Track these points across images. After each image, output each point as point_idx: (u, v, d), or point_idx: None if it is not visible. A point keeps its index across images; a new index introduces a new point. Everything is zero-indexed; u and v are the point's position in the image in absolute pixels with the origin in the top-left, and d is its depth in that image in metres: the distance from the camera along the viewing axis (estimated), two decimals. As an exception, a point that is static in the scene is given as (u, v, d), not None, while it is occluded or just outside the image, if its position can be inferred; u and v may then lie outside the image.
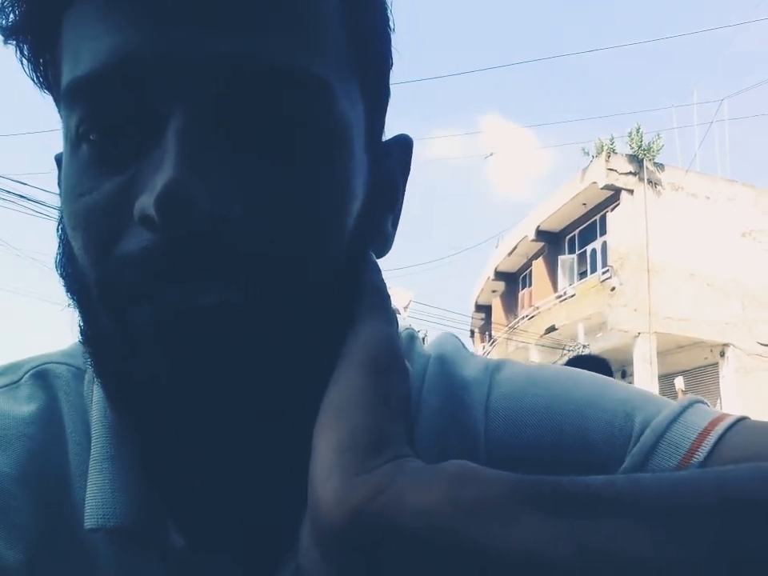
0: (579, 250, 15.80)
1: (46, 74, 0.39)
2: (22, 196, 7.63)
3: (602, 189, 14.09)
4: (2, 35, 0.37)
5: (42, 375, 0.46)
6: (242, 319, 0.33)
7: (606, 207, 14.49)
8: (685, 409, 0.41)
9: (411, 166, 0.47)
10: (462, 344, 0.53)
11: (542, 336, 15.19)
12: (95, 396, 0.43)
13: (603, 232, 14.66)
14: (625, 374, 14.05)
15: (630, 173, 13.97)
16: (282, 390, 0.35)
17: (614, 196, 14.17)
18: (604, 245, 14.54)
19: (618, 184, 13.86)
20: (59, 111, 0.38)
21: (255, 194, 0.34)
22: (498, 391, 0.46)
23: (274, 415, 0.36)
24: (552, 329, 14.93)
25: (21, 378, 0.46)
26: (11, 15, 0.36)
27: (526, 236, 16.83)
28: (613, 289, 13.37)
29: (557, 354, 14.23)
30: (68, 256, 0.38)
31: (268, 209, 0.34)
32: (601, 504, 0.24)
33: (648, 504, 0.24)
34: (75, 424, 0.44)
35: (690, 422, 0.40)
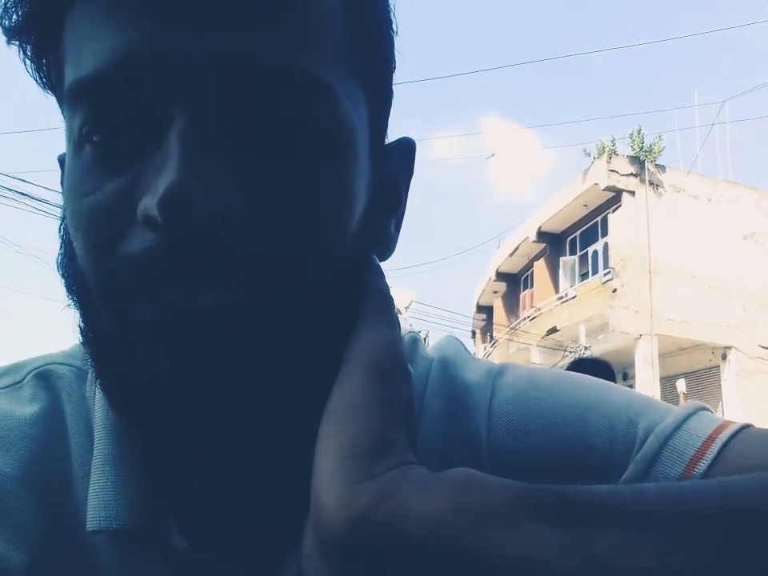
0: (581, 251, 15.79)
1: (48, 74, 0.39)
2: (23, 194, 7.65)
3: (603, 190, 14.09)
4: (5, 36, 0.37)
5: (44, 376, 0.46)
6: (242, 319, 0.33)
7: (608, 209, 14.48)
8: (689, 416, 0.41)
9: (414, 169, 0.47)
10: (465, 347, 0.53)
11: (543, 337, 15.18)
12: (97, 397, 0.43)
13: (605, 233, 14.65)
14: (626, 376, 14.04)
15: (632, 174, 13.96)
16: (283, 390, 0.35)
17: (615, 197, 14.16)
18: (605, 246, 14.53)
19: (620, 185, 13.85)
20: (62, 112, 0.38)
21: (255, 194, 0.34)
22: (500, 396, 0.46)
23: (275, 415, 0.36)
24: (553, 330, 14.92)
25: (23, 379, 0.46)
26: (14, 16, 0.36)
27: (528, 237, 16.82)
28: (614, 290, 13.36)
29: (558, 356, 14.23)
30: (69, 256, 0.38)
31: (267, 208, 0.34)
32: (605, 513, 0.24)
33: (652, 514, 0.24)
34: (78, 425, 0.44)
35: (693, 430, 0.40)
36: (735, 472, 0.35)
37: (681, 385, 11.40)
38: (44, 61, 0.39)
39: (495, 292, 20.14)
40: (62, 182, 0.40)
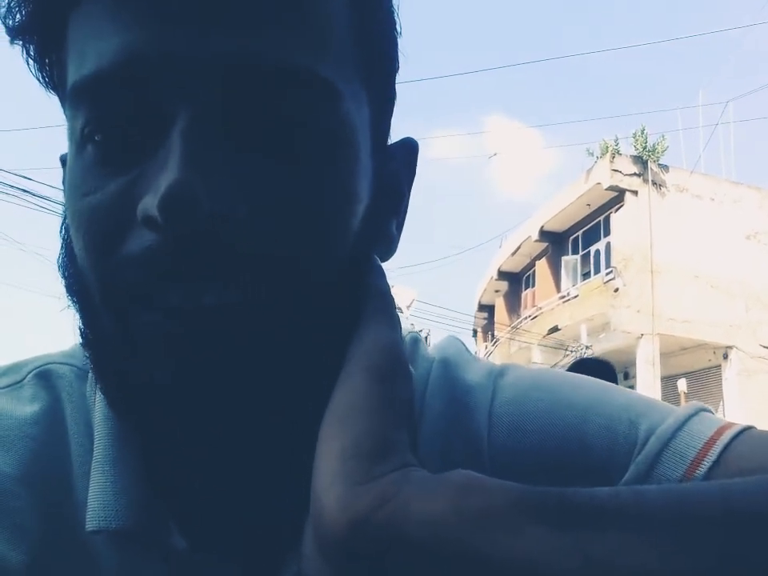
0: (583, 250, 15.78)
1: (51, 74, 0.39)
2: (26, 191, 7.66)
3: (606, 190, 14.07)
4: (9, 35, 0.37)
5: (44, 375, 0.46)
6: (245, 320, 0.33)
7: (610, 208, 14.46)
8: (690, 417, 0.41)
9: (416, 170, 0.47)
10: (466, 347, 0.53)
11: (544, 336, 15.17)
12: (98, 397, 0.43)
13: (607, 233, 14.63)
14: (627, 376, 14.03)
15: (635, 174, 13.95)
16: (284, 391, 0.35)
17: (618, 197, 14.14)
18: (608, 246, 14.51)
19: (623, 185, 13.84)
20: (64, 111, 0.37)
21: (259, 194, 0.34)
22: (501, 396, 0.46)
23: (276, 416, 0.36)
24: (555, 329, 14.91)
25: (24, 378, 0.46)
26: (17, 15, 0.36)
27: (530, 236, 16.81)
28: (616, 290, 13.35)
29: (559, 355, 14.23)
30: (70, 256, 0.38)
31: (271, 208, 0.34)
32: (605, 515, 0.24)
33: (653, 516, 0.24)
34: (78, 425, 0.44)
35: (695, 431, 0.40)
36: (736, 474, 0.35)
37: (682, 384, 11.39)
38: (47, 60, 0.38)
39: (497, 291, 20.14)
40: (63, 182, 0.40)
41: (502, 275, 19.43)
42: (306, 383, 0.35)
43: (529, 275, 18.50)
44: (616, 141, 14.63)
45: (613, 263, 13.78)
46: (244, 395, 0.34)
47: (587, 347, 13.47)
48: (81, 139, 0.35)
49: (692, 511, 0.24)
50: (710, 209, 14.03)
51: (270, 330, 0.34)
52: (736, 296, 13.73)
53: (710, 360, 13.87)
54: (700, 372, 14.16)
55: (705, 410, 0.43)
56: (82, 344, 0.39)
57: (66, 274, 0.39)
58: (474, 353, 0.53)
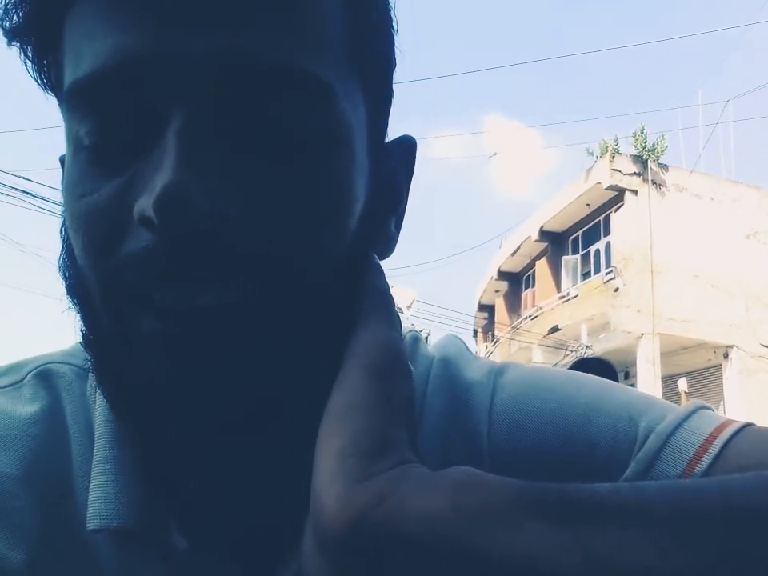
0: (583, 250, 15.78)
1: (49, 75, 0.39)
2: (25, 192, 7.66)
3: (605, 189, 14.07)
4: (6, 37, 0.37)
5: (45, 375, 0.46)
6: (241, 319, 0.33)
7: (610, 208, 14.46)
8: (690, 414, 0.41)
9: (415, 167, 0.47)
10: (466, 346, 0.53)
11: (544, 336, 15.17)
12: (98, 396, 0.43)
13: (607, 232, 14.63)
14: (628, 375, 14.03)
15: (634, 173, 13.95)
16: (282, 390, 0.35)
17: (617, 196, 14.15)
18: (608, 245, 14.51)
19: (622, 184, 13.84)
20: (61, 112, 0.37)
21: (255, 194, 0.34)
22: (501, 395, 0.46)
23: (274, 416, 0.36)
24: (555, 329, 14.91)
25: (24, 378, 0.46)
26: (14, 18, 0.36)
27: (530, 236, 16.81)
28: (616, 289, 13.35)
29: (560, 355, 14.23)
30: (71, 257, 0.38)
31: (267, 208, 0.34)
32: (605, 512, 0.24)
33: (653, 512, 0.24)
34: (78, 424, 0.44)
35: (694, 428, 0.40)
36: (736, 471, 0.35)
37: (682, 384, 11.38)
38: (45, 62, 0.38)
39: (497, 291, 20.14)
40: (62, 183, 0.40)
41: (502, 275, 19.43)
42: (304, 382, 0.35)
43: (529, 275, 18.50)
44: (616, 140, 14.64)
45: (613, 263, 13.78)
46: (242, 395, 0.34)
47: (587, 347, 13.47)
48: (77, 140, 0.35)
49: (692, 507, 0.24)
50: (709, 208, 14.03)
51: (268, 330, 0.34)
52: (736, 295, 13.73)
53: (710, 359, 13.87)
54: (700, 371, 14.15)
55: (705, 407, 0.43)
56: (82, 344, 0.39)
57: (67, 274, 0.39)
58: (474, 352, 0.53)
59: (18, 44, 0.38)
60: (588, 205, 15.01)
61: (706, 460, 0.38)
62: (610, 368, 2.95)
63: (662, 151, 14.44)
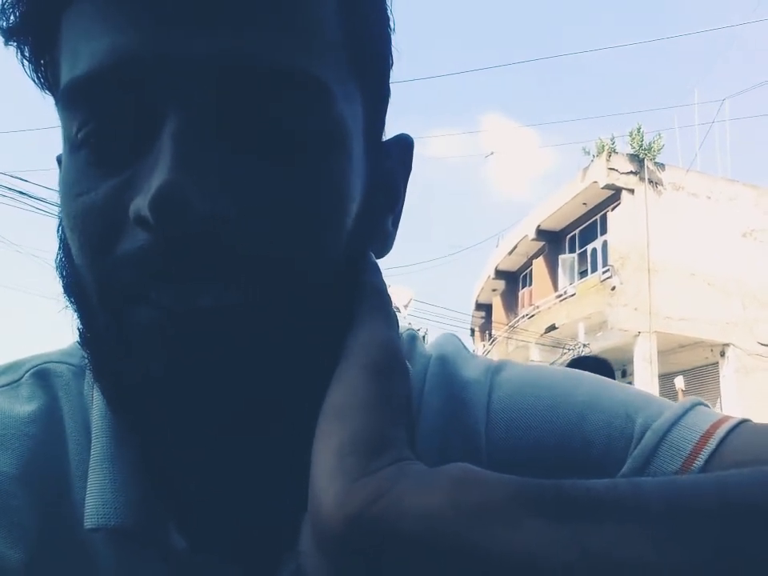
0: (580, 249, 15.79)
1: (46, 74, 0.39)
2: (23, 193, 7.64)
3: (602, 188, 14.09)
4: (3, 37, 0.37)
5: (42, 374, 0.46)
6: (242, 321, 0.33)
7: (607, 207, 14.49)
8: (686, 411, 0.41)
9: (412, 166, 0.47)
10: (463, 344, 0.53)
11: (542, 335, 15.19)
12: (95, 395, 0.43)
13: (604, 231, 14.65)
14: (625, 374, 14.05)
15: (631, 172, 13.96)
16: (281, 391, 0.35)
17: (614, 195, 14.16)
18: (604, 244, 14.53)
19: (619, 183, 13.85)
20: (58, 111, 0.37)
21: (254, 195, 0.34)
22: (498, 392, 0.46)
23: (273, 416, 0.36)
24: (552, 328, 14.92)
25: (21, 377, 0.46)
26: (11, 17, 0.36)
27: (527, 235, 16.82)
28: (613, 288, 13.36)
29: (557, 353, 14.24)
30: (68, 257, 0.38)
31: (267, 210, 0.34)
32: (603, 508, 0.24)
33: (650, 508, 0.24)
34: (76, 423, 0.44)
35: (691, 425, 0.40)
36: (733, 467, 0.35)
37: (679, 382, 11.39)
38: (42, 61, 0.38)
39: (494, 290, 20.15)
40: (59, 182, 0.40)
41: (499, 274, 19.45)
42: (303, 383, 0.35)
43: (526, 274, 18.51)
44: (612, 139, 14.66)
45: (610, 261, 13.80)
46: (241, 395, 0.34)
47: (585, 345, 13.49)
48: (74, 140, 0.35)
49: (688, 503, 0.24)
50: (706, 207, 14.05)
51: (265, 331, 0.34)
52: (732, 294, 13.75)
53: (707, 357, 13.90)
54: (697, 369, 14.18)
55: (701, 404, 0.43)
56: (79, 343, 0.39)
57: (64, 273, 0.39)
58: (471, 350, 0.53)
59: (15, 43, 0.38)
60: (585, 204, 15.03)
61: (702, 456, 0.38)
62: (608, 366, 2.95)
63: (659, 150, 14.47)
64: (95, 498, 0.40)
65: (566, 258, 15.95)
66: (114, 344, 0.35)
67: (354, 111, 0.38)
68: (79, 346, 0.40)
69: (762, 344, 13.44)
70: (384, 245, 0.45)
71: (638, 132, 14.55)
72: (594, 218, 15.24)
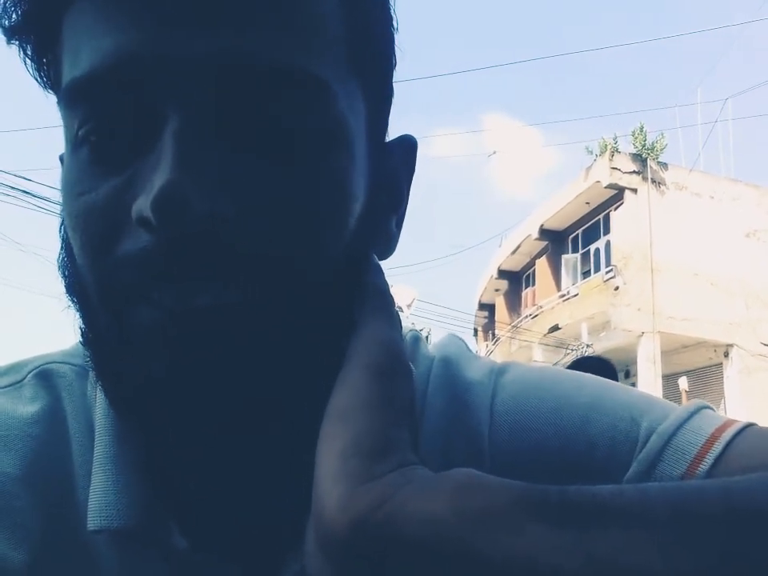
0: (583, 249, 15.78)
1: (48, 73, 0.39)
2: (25, 191, 7.66)
3: (605, 188, 14.07)
4: (5, 36, 0.37)
5: (45, 375, 0.46)
6: (241, 319, 0.33)
7: (610, 206, 14.46)
8: (691, 414, 0.41)
9: (416, 167, 0.47)
10: (467, 346, 0.53)
11: (545, 335, 15.17)
12: (98, 396, 0.43)
13: (607, 231, 14.63)
14: (628, 374, 14.04)
15: (634, 172, 13.95)
16: (282, 391, 0.35)
17: (617, 195, 14.14)
18: (607, 244, 14.51)
19: (622, 183, 13.84)
20: (60, 110, 0.37)
21: (254, 194, 0.33)
22: (502, 395, 0.46)
23: (274, 416, 0.36)
24: (555, 328, 14.91)
25: (24, 378, 0.46)
26: (13, 16, 0.36)
27: (530, 235, 16.81)
28: (616, 288, 13.35)
29: (560, 353, 14.23)
30: (70, 256, 0.38)
31: (267, 208, 0.34)
32: (608, 514, 0.24)
33: (655, 514, 0.24)
34: (79, 424, 0.44)
35: (696, 428, 0.40)
36: (738, 471, 0.35)
37: (683, 382, 11.39)
38: (44, 60, 0.38)
39: (497, 290, 20.14)
40: (61, 181, 0.40)
41: (502, 274, 19.43)
42: (304, 382, 0.35)
43: (529, 274, 18.50)
44: (615, 139, 14.63)
45: (613, 261, 13.77)
46: (241, 395, 0.34)
47: (588, 346, 13.48)
48: (76, 139, 0.35)
49: (694, 509, 0.24)
50: (709, 207, 14.03)
51: (267, 330, 0.34)
52: (736, 294, 13.73)
53: (710, 358, 13.87)
54: (701, 370, 14.16)
55: (706, 407, 0.43)
56: (82, 343, 0.39)
57: (66, 273, 0.39)
58: (474, 351, 0.53)
59: (17, 42, 0.38)
60: (588, 203, 15.01)
61: (708, 460, 0.38)
62: (610, 367, 2.95)
63: (662, 150, 14.45)
64: (98, 499, 0.40)
65: (569, 258, 15.94)
66: (115, 344, 0.35)
67: (356, 110, 0.38)
68: (82, 346, 0.40)
69: (766, 344, 13.41)
70: (387, 246, 0.44)
71: (641, 131, 14.54)
72: (596, 218, 15.22)
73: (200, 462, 0.37)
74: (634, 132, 14.64)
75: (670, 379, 13.10)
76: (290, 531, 0.38)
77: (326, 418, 0.31)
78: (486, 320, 21.71)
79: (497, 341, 18.63)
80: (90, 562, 0.41)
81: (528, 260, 18.16)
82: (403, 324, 0.40)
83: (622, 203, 13.97)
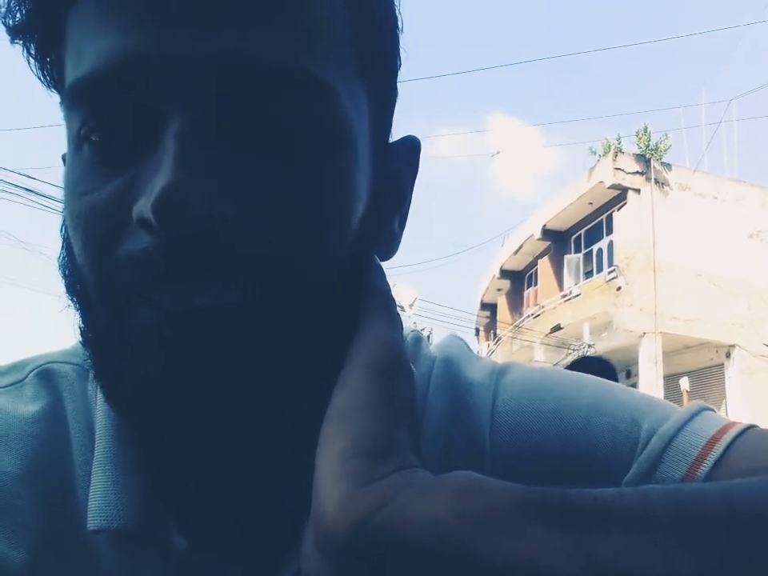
0: (585, 249, 15.76)
1: (52, 73, 0.39)
2: (29, 190, 7.67)
3: (608, 188, 14.05)
4: (9, 35, 0.37)
5: (46, 374, 0.46)
6: (241, 319, 0.33)
7: (613, 207, 14.44)
8: (692, 416, 0.41)
9: (419, 168, 0.47)
10: (468, 346, 0.53)
11: (547, 335, 15.16)
12: (99, 396, 0.43)
13: (609, 231, 14.61)
14: (630, 374, 14.03)
15: (637, 172, 13.93)
16: (282, 390, 0.35)
17: (620, 195, 14.12)
18: (610, 244, 14.49)
19: (625, 183, 13.82)
20: (62, 110, 0.37)
21: (255, 194, 0.33)
22: (503, 395, 0.46)
23: (274, 416, 0.36)
24: (557, 328, 14.90)
25: (25, 377, 0.46)
26: (17, 15, 0.36)
27: (532, 235, 16.79)
28: (619, 288, 13.33)
29: (562, 353, 14.21)
30: (71, 256, 0.38)
31: (267, 209, 0.34)
32: (609, 516, 0.24)
33: (656, 517, 0.24)
34: (79, 423, 0.44)
35: (697, 430, 0.40)
36: (739, 473, 0.35)
37: (684, 383, 11.38)
38: (47, 60, 0.38)
39: (499, 290, 20.13)
40: (63, 180, 0.40)
41: (505, 274, 19.42)
42: (304, 382, 0.35)
43: (531, 274, 18.48)
44: (618, 139, 14.65)
45: (615, 262, 13.76)
46: (240, 395, 0.34)
47: (590, 346, 13.46)
48: (78, 139, 0.35)
49: (695, 512, 0.24)
50: (712, 207, 14.01)
51: (268, 330, 0.34)
52: (738, 295, 13.71)
53: (712, 359, 13.85)
54: (703, 371, 14.14)
55: (707, 409, 0.42)
56: (82, 343, 0.39)
57: (66, 273, 0.39)
58: (476, 351, 0.53)
59: (21, 42, 0.38)
60: (591, 203, 14.99)
61: (708, 462, 0.38)
62: (610, 367, 2.95)
63: (665, 150, 14.44)
64: (98, 499, 0.40)
65: (572, 258, 15.92)
66: (114, 344, 0.35)
67: (359, 110, 0.38)
68: (82, 346, 0.40)
69: (768, 345, 13.40)
70: (390, 246, 0.44)
71: (645, 132, 14.52)
72: (599, 218, 15.20)
73: (200, 463, 0.37)
74: (637, 132, 14.63)
75: (671, 380, 13.08)
76: (289, 531, 0.38)
77: (326, 418, 0.31)
78: (488, 320, 21.69)
79: (498, 340, 18.62)
80: (89, 562, 0.41)
81: (530, 260, 18.14)
82: (405, 324, 0.40)
83: (625, 203, 13.95)
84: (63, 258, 0.39)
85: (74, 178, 0.36)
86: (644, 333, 13.17)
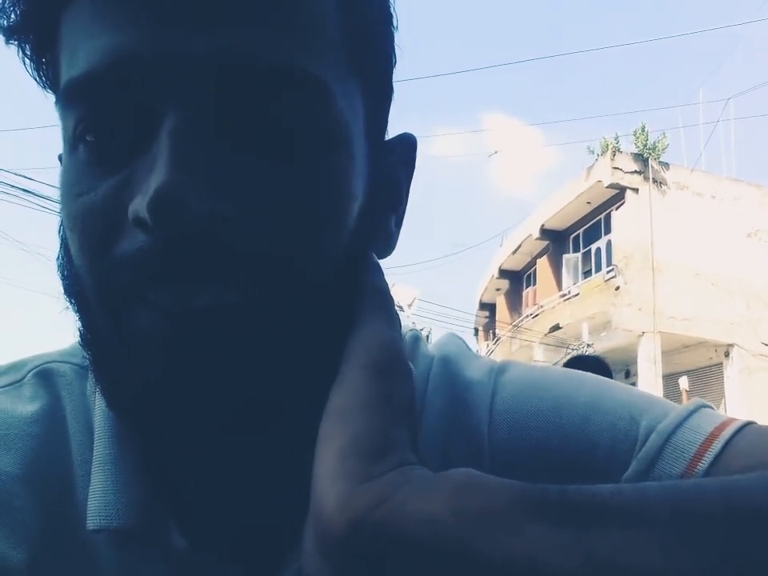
0: (584, 248, 15.77)
1: (47, 73, 0.39)
2: (27, 191, 7.67)
3: (606, 187, 14.06)
4: (4, 36, 0.37)
5: (45, 374, 0.46)
6: (240, 319, 0.33)
7: (611, 206, 14.45)
8: (691, 413, 0.41)
9: (415, 165, 0.47)
10: (466, 345, 0.53)
11: (546, 335, 15.17)
12: (98, 396, 0.43)
13: (608, 231, 14.63)
14: (629, 374, 14.04)
15: (635, 172, 13.94)
16: (281, 390, 0.35)
17: (618, 195, 14.14)
18: (609, 244, 14.51)
19: (623, 183, 13.83)
20: (57, 110, 0.37)
21: (253, 194, 0.33)
22: (502, 394, 0.46)
23: (273, 415, 0.36)
24: (556, 327, 14.91)
25: (24, 377, 0.46)
26: (12, 15, 0.36)
27: (531, 234, 16.80)
28: (617, 288, 13.34)
29: (561, 353, 14.21)
30: (68, 257, 0.38)
31: (266, 208, 0.34)
32: (608, 513, 0.24)
33: (655, 513, 0.24)
34: (78, 423, 0.44)
35: (696, 427, 0.40)
36: (737, 470, 0.35)
37: (683, 382, 11.38)
38: (43, 60, 0.38)
39: (498, 289, 20.14)
40: (59, 181, 0.40)
41: (503, 273, 19.43)
42: (303, 382, 0.35)
43: (530, 273, 18.50)
44: (616, 138, 14.65)
45: (614, 261, 13.77)
46: (240, 395, 0.34)
47: (588, 345, 13.47)
48: (73, 139, 0.35)
49: (694, 508, 0.24)
50: (710, 206, 14.02)
51: (267, 330, 0.34)
52: (736, 294, 13.72)
53: (711, 358, 13.87)
54: (702, 370, 14.15)
55: (706, 406, 0.42)
56: (80, 343, 0.39)
57: (64, 274, 0.39)
58: (475, 351, 0.53)
59: (16, 42, 0.38)
60: (589, 203, 15.00)
61: (707, 459, 0.38)
62: (605, 366, 2.97)
63: (663, 149, 14.45)
64: (97, 499, 0.40)
65: (570, 258, 15.93)
66: (113, 345, 0.35)
67: (354, 110, 0.38)
68: (81, 347, 0.40)
69: (766, 344, 13.40)
70: (387, 245, 0.44)
71: (643, 131, 14.54)
72: (598, 218, 15.22)
73: (199, 462, 0.37)
74: (635, 132, 14.65)
75: (670, 379, 13.09)
76: (289, 531, 0.38)
77: (324, 417, 0.31)
78: (487, 319, 21.70)
79: (497, 340, 18.63)
80: (89, 562, 0.41)
81: (529, 259, 18.15)
82: (404, 323, 0.40)
83: (623, 203, 13.96)
84: (61, 259, 0.39)
85: (70, 178, 0.36)
86: (643, 332, 13.18)
